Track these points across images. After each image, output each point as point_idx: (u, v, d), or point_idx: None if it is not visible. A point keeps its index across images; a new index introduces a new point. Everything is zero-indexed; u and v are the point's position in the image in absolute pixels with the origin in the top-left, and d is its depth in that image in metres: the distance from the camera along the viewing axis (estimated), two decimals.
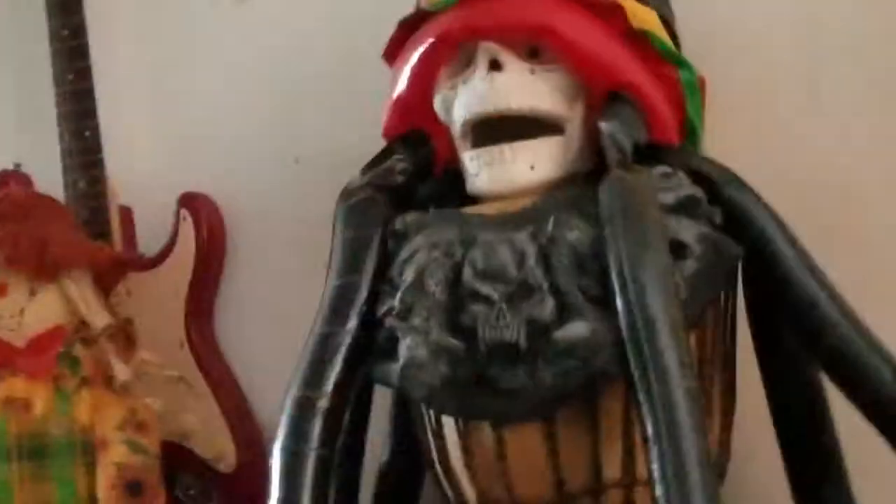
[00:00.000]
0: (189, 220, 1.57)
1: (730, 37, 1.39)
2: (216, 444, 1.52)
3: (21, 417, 1.41)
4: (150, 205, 1.60)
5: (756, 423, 1.22)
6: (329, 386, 1.14)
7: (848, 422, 1.15)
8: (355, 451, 1.26)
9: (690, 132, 1.25)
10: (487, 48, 1.19)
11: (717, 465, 1.18)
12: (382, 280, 1.17)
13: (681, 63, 1.23)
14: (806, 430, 1.20)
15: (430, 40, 1.21)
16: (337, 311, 1.17)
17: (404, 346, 1.12)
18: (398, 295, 1.14)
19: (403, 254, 1.17)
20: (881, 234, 1.34)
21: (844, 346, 1.10)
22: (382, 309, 1.16)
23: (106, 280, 1.49)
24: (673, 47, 1.24)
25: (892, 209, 1.34)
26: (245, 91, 1.60)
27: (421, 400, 1.16)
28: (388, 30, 1.27)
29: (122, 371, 1.43)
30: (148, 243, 1.61)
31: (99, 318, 1.44)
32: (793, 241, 1.15)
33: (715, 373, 1.17)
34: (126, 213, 1.59)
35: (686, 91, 1.23)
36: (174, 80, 1.64)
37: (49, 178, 1.56)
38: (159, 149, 1.63)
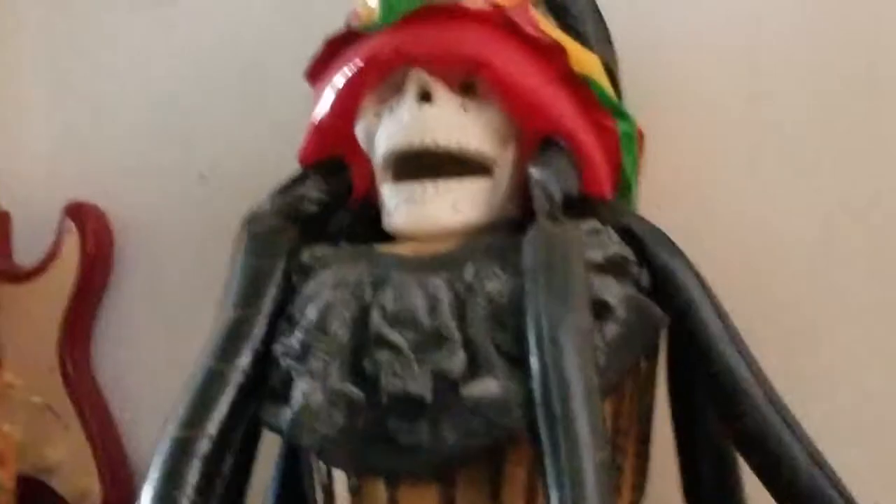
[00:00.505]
0: (74, 231, 1.54)
1: (673, 90, 1.40)
2: (80, 482, 1.49)
3: None
4: (31, 211, 1.57)
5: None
6: (212, 428, 1.12)
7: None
8: (231, 498, 1.26)
9: (624, 186, 1.25)
10: (418, 77, 1.19)
11: None
12: (282, 316, 1.16)
13: (620, 114, 1.24)
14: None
15: (358, 62, 1.21)
16: (228, 345, 1.15)
17: (299, 391, 1.11)
18: (297, 334, 1.14)
19: (308, 290, 1.16)
20: (810, 298, 1.36)
21: (761, 428, 1.12)
22: (279, 348, 1.15)
23: None
24: (613, 96, 1.25)
25: (821, 273, 1.37)
26: (149, 100, 1.58)
27: (312, 450, 1.15)
28: (300, 45, 1.27)
29: None
30: (26, 253, 1.58)
31: None
32: (719, 312, 1.15)
33: (629, 446, 1.17)
34: (3, 219, 1.57)
35: (623, 143, 1.24)
36: (75, 82, 1.62)
37: None
38: (49, 151, 1.61)
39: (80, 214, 1.56)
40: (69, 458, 1.50)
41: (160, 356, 1.42)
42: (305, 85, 1.28)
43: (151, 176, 1.57)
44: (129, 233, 1.58)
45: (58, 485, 1.50)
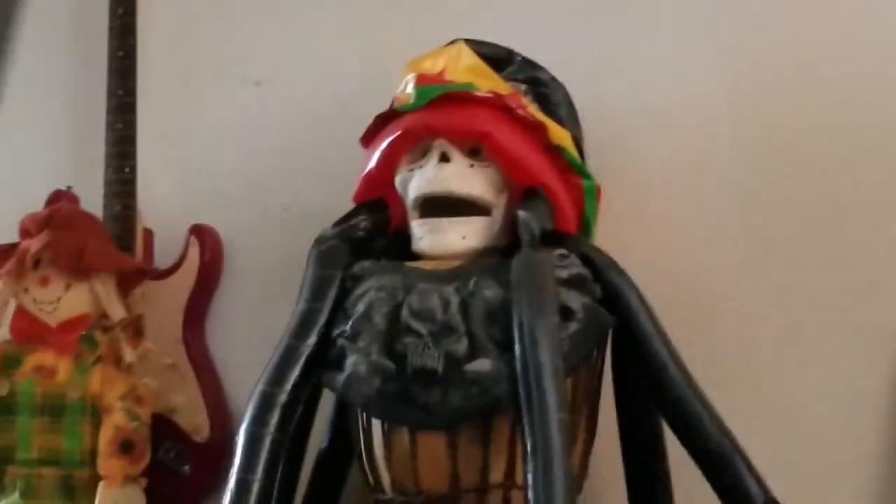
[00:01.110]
0: (196, 245, 1.54)
1: (627, 150, 1.39)
2: (195, 420, 1.48)
3: (46, 382, 1.37)
4: (167, 230, 1.57)
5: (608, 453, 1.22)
6: (288, 385, 1.13)
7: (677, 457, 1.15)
8: (302, 439, 1.25)
9: (586, 227, 1.26)
10: (440, 144, 1.19)
11: (578, 480, 1.18)
12: (339, 309, 1.16)
13: (584, 174, 1.24)
14: (646, 460, 1.20)
15: (398, 133, 1.22)
16: (301, 328, 1.15)
17: (349, 362, 1.12)
18: (350, 322, 1.14)
19: (357, 291, 1.16)
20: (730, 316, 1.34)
21: (681, 403, 1.11)
22: (336, 331, 1.15)
23: (127, 284, 1.46)
24: (579, 161, 1.25)
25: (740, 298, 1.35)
26: (251, 151, 1.58)
27: (357, 405, 1.15)
28: (361, 114, 1.27)
29: (129, 355, 1.41)
30: (162, 259, 1.57)
31: (116, 312, 1.42)
32: (653, 318, 1.15)
33: (583, 411, 1.17)
34: (148, 235, 1.57)
35: (586, 195, 1.24)
36: (197, 136, 1.61)
37: (93, 200, 1.54)
38: (180, 187, 1.60)
39: (201, 233, 1.55)
40: (187, 403, 1.49)
41: (254, 335, 1.41)
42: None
43: (251, 207, 1.57)
44: (234, 248, 1.57)
45: (180, 421, 1.49)
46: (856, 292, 1.30)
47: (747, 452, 1.08)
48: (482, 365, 1.07)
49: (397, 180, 1.23)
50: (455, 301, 1.10)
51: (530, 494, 0.98)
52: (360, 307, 1.14)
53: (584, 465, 1.18)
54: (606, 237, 1.26)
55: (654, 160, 1.37)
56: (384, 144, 1.23)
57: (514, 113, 1.20)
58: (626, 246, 1.23)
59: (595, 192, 1.25)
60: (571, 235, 1.22)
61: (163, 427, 1.47)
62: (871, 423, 1.27)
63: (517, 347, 1.05)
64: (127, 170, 1.53)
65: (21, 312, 1.41)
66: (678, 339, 1.14)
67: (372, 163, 1.25)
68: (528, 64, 1.29)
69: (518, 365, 1.05)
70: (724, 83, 1.36)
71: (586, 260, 1.16)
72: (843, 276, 1.31)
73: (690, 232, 1.36)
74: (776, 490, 1.07)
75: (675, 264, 1.34)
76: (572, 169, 1.23)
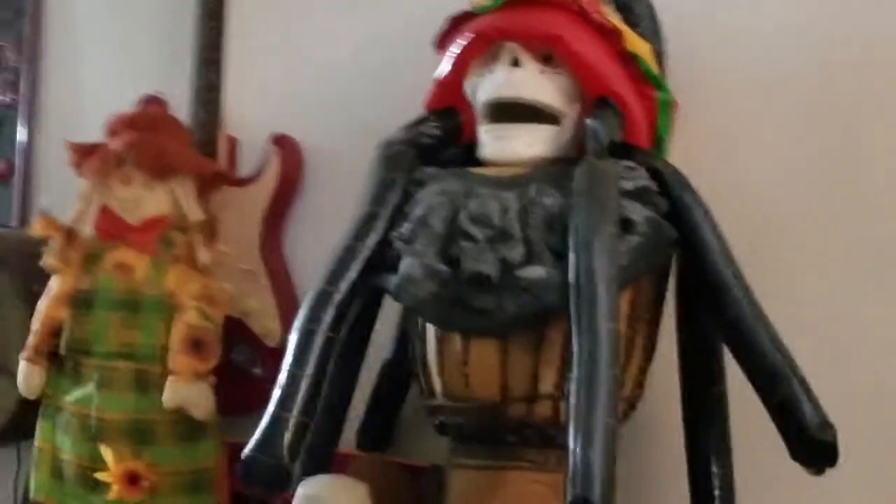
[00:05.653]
0: (277, 155, 1.55)
1: (710, 71, 1.32)
2: (267, 324, 1.50)
3: (125, 278, 1.40)
4: (252, 140, 1.57)
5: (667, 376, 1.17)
6: (344, 284, 1.11)
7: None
8: (360, 341, 1.24)
9: (658, 142, 1.20)
10: (511, 48, 1.16)
11: (632, 397, 1.15)
12: (399, 213, 1.14)
13: (660, 86, 1.19)
14: (703, 381, 1.15)
15: (469, 36, 1.18)
16: (361, 229, 1.14)
17: (404, 264, 1.10)
18: (407, 225, 1.12)
19: (419, 196, 1.14)
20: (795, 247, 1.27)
21: (741, 321, 1.05)
22: (394, 234, 1.13)
23: (206, 187, 1.48)
24: (657, 73, 1.19)
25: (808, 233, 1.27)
26: (335, 67, 1.57)
27: (409, 307, 1.13)
28: None
29: (203, 255, 1.42)
30: (246, 168, 1.58)
31: (194, 214, 1.43)
32: (718, 236, 1.10)
33: (641, 328, 1.13)
34: (231, 141, 1.58)
35: (661, 109, 1.19)
36: (288, 49, 1.61)
37: (181, 105, 1.54)
38: (266, 98, 1.61)
39: (283, 143, 1.56)
40: (262, 308, 1.50)
41: (330, 245, 1.38)
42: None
43: (333, 120, 1.55)
44: (315, 159, 1.57)
45: (253, 324, 1.50)
46: None
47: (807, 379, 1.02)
48: (536, 272, 1.04)
49: (467, 85, 1.20)
50: (514, 207, 1.07)
51: (572, 400, 0.95)
52: (419, 210, 1.12)
53: (639, 383, 1.15)
54: (680, 155, 1.21)
55: (731, 82, 1.30)
56: (455, 48, 1.19)
57: (589, 17, 1.15)
58: (697, 165, 1.17)
59: (670, 107, 1.20)
60: (642, 149, 1.17)
61: (237, 330, 1.48)
62: None
63: (571, 255, 1.02)
64: (213, 77, 1.54)
65: (104, 210, 1.44)
66: (742, 263, 1.08)
67: (443, 68, 1.21)
68: None
69: (571, 272, 1.01)
70: (806, 5, 1.27)
71: (655, 173, 1.12)
72: None
73: (763, 158, 1.28)
74: (845, 416, 1.01)
75: (745, 190, 1.27)
76: (648, 80, 1.18)
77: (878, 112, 1.24)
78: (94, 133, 1.47)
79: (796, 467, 1.01)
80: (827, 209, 1.25)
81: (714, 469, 1.12)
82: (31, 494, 1.44)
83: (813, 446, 0.99)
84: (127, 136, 1.42)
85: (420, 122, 1.23)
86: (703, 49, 1.31)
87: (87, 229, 1.44)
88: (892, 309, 1.20)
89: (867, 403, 1.17)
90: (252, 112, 1.59)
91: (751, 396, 1.03)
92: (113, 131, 1.45)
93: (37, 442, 1.43)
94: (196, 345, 1.38)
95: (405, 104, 1.32)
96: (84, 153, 1.43)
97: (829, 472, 0.99)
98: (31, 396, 1.43)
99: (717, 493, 1.12)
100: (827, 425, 0.98)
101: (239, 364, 1.50)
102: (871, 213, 1.23)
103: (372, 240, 1.13)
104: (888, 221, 1.22)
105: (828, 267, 1.24)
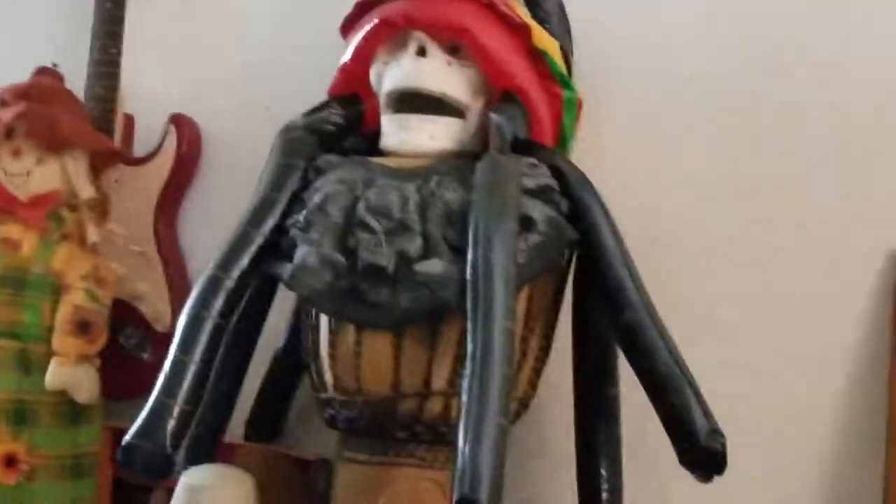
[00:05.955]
0: (174, 134, 1.50)
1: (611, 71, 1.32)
2: (158, 309, 1.45)
3: (11, 255, 1.34)
4: (147, 117, 1.52)
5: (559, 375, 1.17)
6: (236, 271, 1.07)
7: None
8: (251, 329, 1.21)
9: (562, 140, 1.20)
10: (418, 37, 1.13)
11: (525, 398, 1.14)
12: (297, 200, 1.11)
13: (566, 84, 1.18)
14: (597, 382, 1.15)
15: (375, 23, 1.16)
16: (257, 215, 1.10)
17: (299, 253, 1.07)
18: (304, 213, 1.09)
19: (317, 183, 1.11)
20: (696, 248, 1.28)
21: (635, 323, 1.04)
22: (290, 221, 1.10)
23: (99, 164, 1.44)
24: (563, 71, 1.18)
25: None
26: (237, 47, 1.52)
27: (303, 297, 1.11)
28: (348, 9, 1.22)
29: (93, 234, 1.38)
30: (140, 145, 1.53)
31: (85, 191, 1.39)
32: (617, 237, 1.09)
33: (537, 326, 1.12)
34: (128, 120, 1.53)
35: (566, 107, 1.18)
36: (187, 27, 1.56)
37: (77, 80, 1.49)
38: (164, 75, 1.56)
39: (179, 122, 1.51)
40: (153, 292, 1.46)
41: (226, 229, 1.33)
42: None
43: (232, 100, 1.51)
44: (213, 140, 1.52)
45: (143, 308, 1.46)
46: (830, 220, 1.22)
47: (699, 385, 1.02)
48: (433, 266, 1.02)
49: (372, 73, 1.18)
50: (414, 199, 1.05)
51: (464, 398, 0.93)
52: (317, 198, 1.09)
53: (532, 383, 1.14)
54: (582, 155, 1.20)
55: (638, 82, 1.30)
56: (360, 34, 1.17)
57: (497, 10, 1.13)
58: (600, 166, 1.17)
59: (576, 106, 1.19)
60: (546, 147, 1.16)
61: (127, 313, 1.44)
62: (835, 361, 1.21)
63: (469, 250, 1.00)
64: (113, 51, 1.49)
65: None
66: (640, 265, 1.08)
67: (348, 54, 1.19)
68: None
69: (469, 268, 1.00)
70: (710, 6, 1.28)
71: (557, 172, 1.11)
72: (820, 209, 1.23)
73: (667, 158, 1.28)
74: (734, 423, 1.01)
75: (647, 190, 1.27)
76: (554, 77, 1.17)
77: (776, 115, 1.25)
78: None
79: (686, 472, 1.01)
80: (725, 214, 1.26)
81: (603, 471, 1.12)
82: None
83: (701, 453, 0.98)
84: (18, 106, 1.36)
85: (322, 107, 1.20)
86: (608, 50, 1.31)
87: None
88: (786, 317, 1.21)
89: (757, 411, 1.18)
90: (151, 90, 1.54)
91: (644, 400, 1.03)
92: (3, 102, 1.39)
93: None
94: (82, 326, 1.33)
95: (309, 87, 1.29)
96: None
97: (717, 479, 0.99)
98: None
99: (604, 495, 1.12)
100: (716, 433, 0.98)
101: (128, 348, 1.45)
102: (769, 218, 1.24)
103: (268, 226, 1.10)
104: (785, 228, 1.23)
105: (724, 271, 1.25)
